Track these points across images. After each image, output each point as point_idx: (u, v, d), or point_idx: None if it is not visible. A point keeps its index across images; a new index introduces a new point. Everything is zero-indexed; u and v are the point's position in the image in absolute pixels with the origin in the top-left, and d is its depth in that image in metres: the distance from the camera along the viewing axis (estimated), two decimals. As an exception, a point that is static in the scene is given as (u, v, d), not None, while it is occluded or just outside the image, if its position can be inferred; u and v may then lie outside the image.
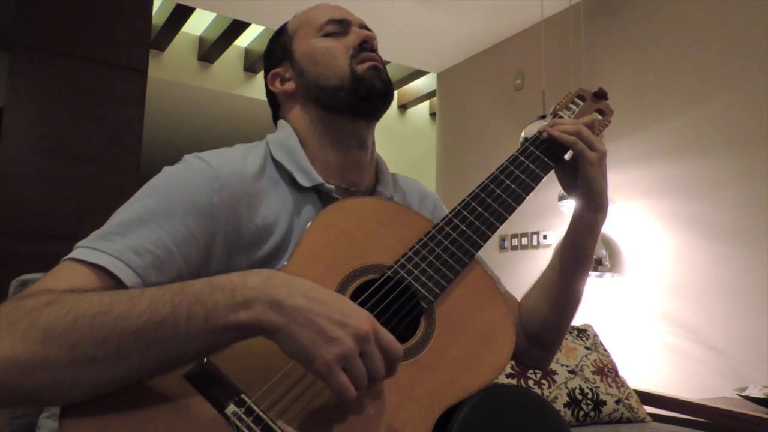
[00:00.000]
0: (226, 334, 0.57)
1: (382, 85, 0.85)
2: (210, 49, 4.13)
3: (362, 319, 0.57)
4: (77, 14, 2.12)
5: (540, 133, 0.86)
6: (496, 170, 0.84)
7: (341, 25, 0.88)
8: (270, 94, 0.93)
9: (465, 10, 3.14)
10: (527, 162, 0.84)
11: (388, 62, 3.51)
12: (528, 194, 0.83)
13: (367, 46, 0.86)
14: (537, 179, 0.83)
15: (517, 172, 0.84)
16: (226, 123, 5.05)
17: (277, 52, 0.92)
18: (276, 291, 0.57)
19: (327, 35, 0.87)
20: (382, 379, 0.58)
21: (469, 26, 3.33)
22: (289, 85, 0.89)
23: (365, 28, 0.91)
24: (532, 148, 0.85)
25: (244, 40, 4.25)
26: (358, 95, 0.83)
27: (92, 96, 2.12)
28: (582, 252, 0.86)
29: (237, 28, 3.82)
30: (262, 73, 4.56)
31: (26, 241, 1.94)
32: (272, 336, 0.57)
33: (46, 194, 2.00)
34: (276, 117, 0.94)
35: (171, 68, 4.16)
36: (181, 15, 3.67)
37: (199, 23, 4.06)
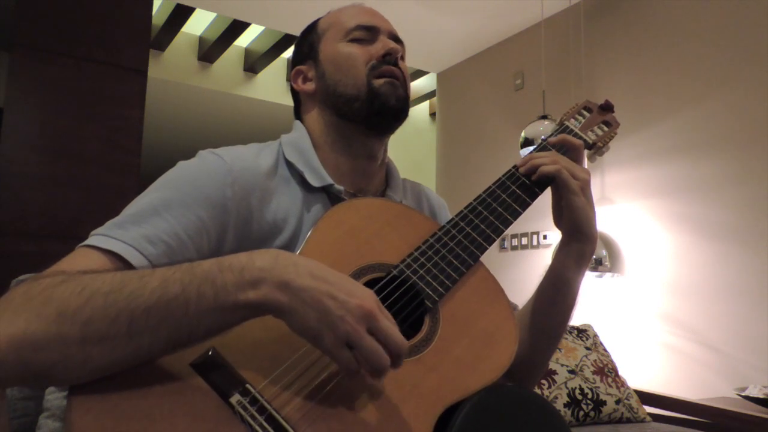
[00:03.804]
0: (234, 312, 0.58)
1: (396, 102, 0.84)
2: (210, 49, 4.13)
3: (366, 297, 0.58)
4: (77, 14, 2.12)
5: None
6: (493, 183, 0.84)
7: (369, 32, 0.87)
8: (293, 89, 0.94)
9: (465, 10, 3.14)
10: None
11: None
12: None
13: (390, 59, 0.85)
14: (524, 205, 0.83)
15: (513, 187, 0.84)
16: (226, 123, 5.05)
17: (304, 49, 0.92)
18: (283, 271, 0.58)
19: (353, 41, 0.87)
20: (398, 354, 0.58)
21: (469, 26, 3.33)
22: (310, 86, 0.89)
23: (394, 37, 0.90)
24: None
25: (244, 40, 4.25)
26: (372, 109, 0.83)
27: (92, 96, 2.11)
28: (567, 286, 0.83)
29: (237, 28, 3.82)
30: (262, 74, 4.60)
31: (26, 242, 1.94)
32: (280, 315, 0.58)
33: (46, 194, 1.99)
34: (297, 113, 0.94)
35: (171, 68, 4.16)
36: (181, 15, 3.67)
37: (199, 23, 4.07)
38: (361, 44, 0.87)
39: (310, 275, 0.58)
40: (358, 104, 0.84)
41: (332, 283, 0.58)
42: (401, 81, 0.86)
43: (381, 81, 0.84)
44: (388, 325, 0.58)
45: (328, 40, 0.89)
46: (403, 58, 0.89)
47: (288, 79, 4.86)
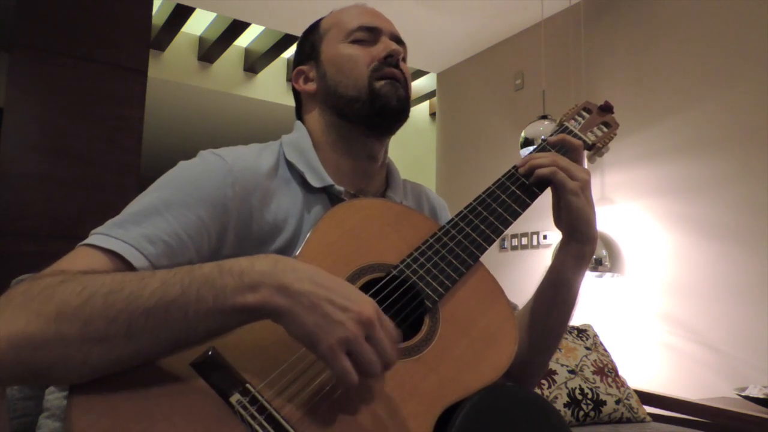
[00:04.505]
0: (233, 316, 0.58)
1: (397, 103, 0.84)
2: (210, 49, 4.13)
3: (366, 304, 0.58)
4: (77, 14, 2.11)
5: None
6: (493, 184, 0.84)
7: (371, 33, 0.87)
8: (294, 89, 0.94)
9: (465, 10, 3.14)
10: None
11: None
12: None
13: (391, 60, 0.85)
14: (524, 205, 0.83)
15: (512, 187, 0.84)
16: (226, 123, 5.05)
17: (306, 49, 0.92)
18: (283, 275, 0.58)
19: (355, 42, 0.87)
20: (389, 365, 0.58)
21: (469, 26, 3.33)
22: (311, 86, 0.89)
23: (396, 38, 0.90)
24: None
25: (244, 40, 4.25)
26: (373, 110, 0.84)
27: (92, 96, 2.11)
28: (566, 286, 0.83)
29: (237, 28, 3.82)
30: (262, 74, 4.59)
31: (26, 241, 1.94)
32: (278, 319, 0.58)
33: (46, 194, 1.99)
34: (299, 113, 0.94)
35: (171, 68, 4.16)
36: (181, 15, 3.67)
37: (199, 23, 4.07)
38: (362, 45, 0.87)
39: (310, 280, 0.58)
40: (359, 105, 0.84)
41: (332, 289, 0.58)
42: (402, 82, 0.86)
43: (382, 82, 0.84)
44: (383, 336, 0.58)
45: (329, 41, 0.88)
46: (404, 59, 0.89)
47: (288, 79, 4.84)
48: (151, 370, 0.58)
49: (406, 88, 0.87)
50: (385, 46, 0.86)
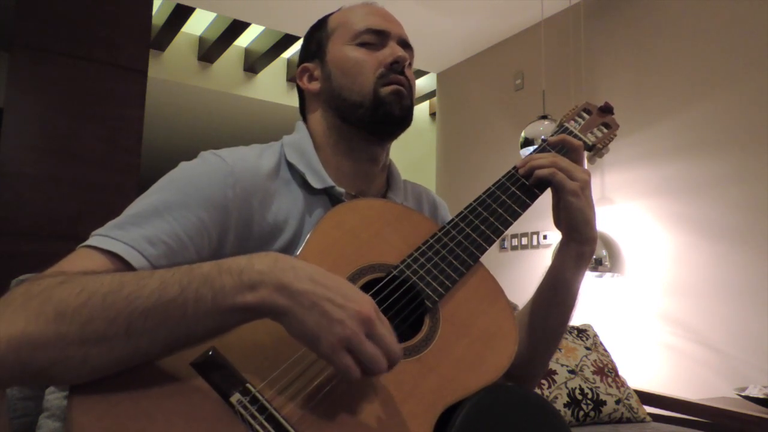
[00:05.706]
0: (233, 315, 0.58)
1: (401, 112, 0.84)
2: (210, 49, 4.13)
3: (364, 302, 0.58)
4: (77, 14, 2.12)
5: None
6: (493, 185, 0.84)
7: (379, 37, 0.86)
8: (298, 86, 0.93)
9: (465, 10, 3.14)
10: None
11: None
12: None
13: (397, 67, 0.85)
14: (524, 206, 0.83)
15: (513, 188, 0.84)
16: (226, 123, 5.05)
17: (311, 46, 0.91)
18: (282, 274, 0.58)
19: (362, 44, 0.86)
20: (394, 360, 0.58)
21: (469, 26, 3.33)
22: (315, 85, 0.89)
23: (404, 42, 0.89)
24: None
25: (244, 40, 4.26)
26: (376, 116, 0.83)
27: (92, 96, 2.11)
28: (566, 286, 0.83)
29: (237, 28, 3.82)
30: (262, 74, 4.59)
31: (26, 242, 1.94)
32: (278, 318, 0.58)
33: (46, 194, 1.99)
34: (302, 110, 0.94)
35: (171, 68, 4.16)
36: (181, 15, 3.67)
37: (199, 23, 4.07)
38: (369, 49, 0.86)
39: (309, 279, 0.58)
40: (362, 111, 0.83)
41: (331, 288, 0.58)
42: (407, 90, 0.86)
43: (388, 89, 0.83)
44: (384, 332, 0.58)
45: (336, 41, 0.88)
46: (410, 64, 0.88)
47: (288, 79, 4.81)
48: (152, 370, 0.58)
49: (411, 95, 0.87)
50: (392, 51, 0.85)
